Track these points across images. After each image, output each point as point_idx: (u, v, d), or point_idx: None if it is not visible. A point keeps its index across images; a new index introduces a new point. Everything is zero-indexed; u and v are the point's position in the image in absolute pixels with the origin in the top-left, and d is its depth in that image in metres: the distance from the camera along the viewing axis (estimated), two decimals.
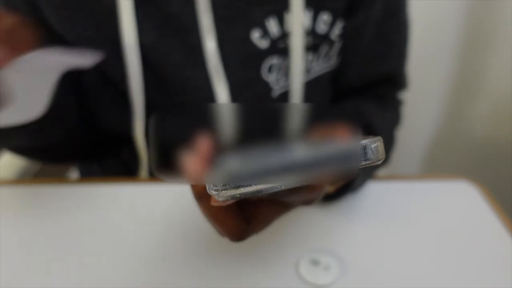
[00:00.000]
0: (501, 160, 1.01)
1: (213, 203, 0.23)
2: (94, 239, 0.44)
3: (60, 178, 0.53)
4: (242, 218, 0.27)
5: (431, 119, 1.08)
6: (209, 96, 0.50)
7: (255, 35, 0.49)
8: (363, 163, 0.21)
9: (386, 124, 0.55)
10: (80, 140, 0.58)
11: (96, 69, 0.53)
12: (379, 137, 0.21)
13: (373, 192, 0.51)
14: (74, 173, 0.63)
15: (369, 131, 0.50)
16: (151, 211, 0.47)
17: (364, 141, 0.21)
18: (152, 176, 0.57)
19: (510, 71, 0.93)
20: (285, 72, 0.52)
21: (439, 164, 1.12)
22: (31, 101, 0.41)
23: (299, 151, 0.20)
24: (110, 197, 0.50)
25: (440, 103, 1.05)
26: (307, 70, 0.53)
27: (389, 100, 0.60)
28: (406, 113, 0.61)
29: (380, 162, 0.21)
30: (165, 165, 0.21)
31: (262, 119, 0.24)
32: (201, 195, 0.26)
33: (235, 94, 0.51)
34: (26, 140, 0.47)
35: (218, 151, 0.21)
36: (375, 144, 0.21)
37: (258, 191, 0.22)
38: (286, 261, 0.41)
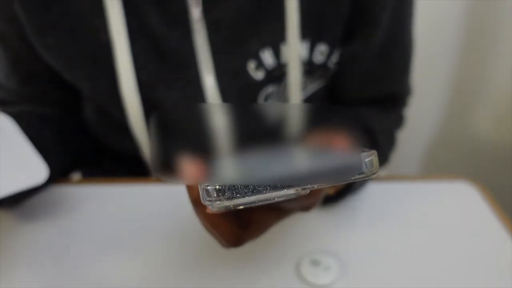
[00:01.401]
0: (501, 161, 1.01)
1: (208, 211, 0.23)
2: (95, 239, 0.44)
3: (61, 178, 0.53)
4: (238, 225, 0.27)
5: (431, 120, 1.08)
6: None
7: (251, 66, 0.49)
8: (357, 176, 0.21)
9: (386, 124, 0.55)
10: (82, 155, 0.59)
11: (96, 104, 0.53)
12: (374, 151, 0.22)
13: (373, 192, 0.51)
14: (76, 174, 0.63)
15: (368, 133, 0.50)
16: (153, 212, 0.48)
17: (359, 155, 0.21)
18: (156, 178, 0.57)
19: (511, 72, 0.93)
20: (280, 97, 0.52)
21: (439, 165, 1.12)
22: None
23: (296, 162, 0.21)
24: (112, 198, 0.50)
25: (440, 104, 1.05)
26: (302, 89, 0.52)
27: (392, 104, 0.59)
28: (406, 114, 0.61)
29: (374, 175, 0.21)
30: (164, 166, 0.21)
31: (261, 119, 0.24)
32: (198, 201, 0.26)
33: None
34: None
35: (216, 155, 0.21)
36: (369, 158, 0.21)
37: (251, 203, 0.22)
38: (286, 261, 0.41)
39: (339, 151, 0.21)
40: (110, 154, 0.61)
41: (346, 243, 0.44)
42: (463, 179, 0.54)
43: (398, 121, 0.58)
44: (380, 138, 0.51)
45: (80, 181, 0.54)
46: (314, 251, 0.42)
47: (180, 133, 0.23)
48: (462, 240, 0.45)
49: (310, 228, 0.45)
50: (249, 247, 0.43)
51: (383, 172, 0.68)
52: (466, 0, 0.90)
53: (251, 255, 0.42)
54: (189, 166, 0.20)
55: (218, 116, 0.23)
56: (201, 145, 0.22)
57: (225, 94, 0.49)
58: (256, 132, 0.22)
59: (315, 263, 0.41)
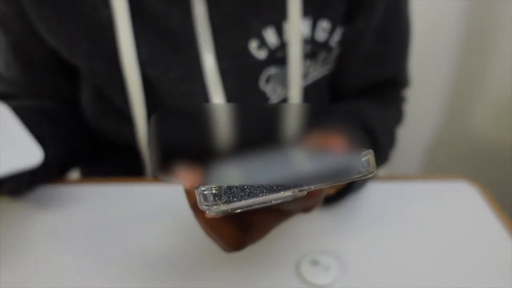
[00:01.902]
0: (501, 161, 1.01)
1: (207, 215, 0.23)
2: (94, 240, 0.44)
3: (60, 178, 0.53)
4: (240, 228, 0.27)
5: (432, 119, 1.08)
6: None
7: (253, 45, 0.48)
8: (354, 176, 0.21)
9: (386, 122, 0.55)
10: (81, 150, 0.58)
11: (94, 85, 0.53)
12: (370, 150, 0.22)
13: (373, 192, 0.51)
14: (74, 173, 0.63)
15: (368, 133, 0.50)
16: (153, 212, 0.47)
17: (355, 155, 0.21)
18: (154, 177, 0.57)
19: (511, 71, 0.93)
20: (282, 80, 0.51)
21: (439, 164, 1.12)
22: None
23: (292, 164, 0.21)
24: (111, 197, 0.50)
25: (440, 103, 1.05)
26: (304, 76, 0.52)
27: (390, 98, 0.59)
28: (406, 113, 0.61)
29: (372, 175, 0.21)
30: (164, 165, 0.21)
31: (260, 120, 0.24)
32: (197, 206, 0.26)
33: None
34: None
35: (213, 157, 0.21)
36: (365, 158, 0.21)
37: (249, 206, 0.22)
38: (286, 261, 0.41)
39: (335, 151, 0.21)
40: (107, 148, 0.61)
41: (346, 243, 0.44)
42: (463, 179, 0.54)
43: (397, 117, 0.58)
44: (380, 138, 0.51)
45: (79, 181, 0.54)
46: (314, 251, 0.42)
47: (178, 134, 0.23)
48: (462, 240, 0.45)
49: (310, 228, 0.45)
50: (249, 247, 0.43)
51: (383, 171, 0.68)
52: (466, 0, 0.90)
53: (251, 255, 0.42)
54: (185, 172, 0.20)
55: (215, 118, 0.23)
56: (198, 147, 0.22)
57: (225, 73, 0.49)
58: (252, 133, 0.22)
59: (315, 263, 0.41)
